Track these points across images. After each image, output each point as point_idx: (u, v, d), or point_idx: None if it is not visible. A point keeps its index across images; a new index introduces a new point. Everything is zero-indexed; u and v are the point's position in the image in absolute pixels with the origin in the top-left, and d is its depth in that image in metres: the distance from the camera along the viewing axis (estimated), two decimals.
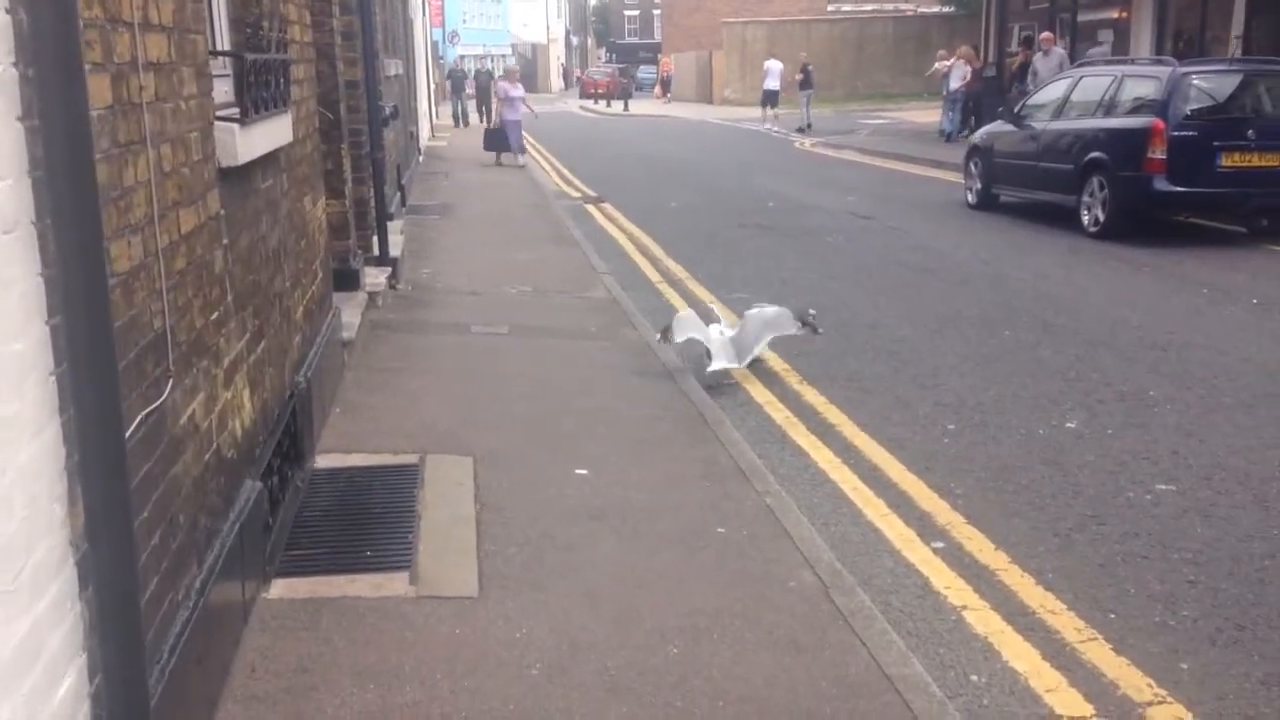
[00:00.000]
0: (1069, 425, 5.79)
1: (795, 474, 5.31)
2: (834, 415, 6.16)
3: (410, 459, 5.08)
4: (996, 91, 26.35)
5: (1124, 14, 23.53)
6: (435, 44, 43.81)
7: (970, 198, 14.05)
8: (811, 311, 7.36)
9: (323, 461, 5.05)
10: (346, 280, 7.71)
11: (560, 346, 7.39)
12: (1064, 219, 11.95)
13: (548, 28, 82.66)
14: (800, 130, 27.93)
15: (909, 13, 46.77)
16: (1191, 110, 10.74)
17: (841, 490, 5.09)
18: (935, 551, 4.40)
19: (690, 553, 4.18)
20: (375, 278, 8.53)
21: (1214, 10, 20.09)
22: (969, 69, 23.14)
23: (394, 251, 9.31)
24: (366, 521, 4.38)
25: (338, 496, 4.65)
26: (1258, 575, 4.07)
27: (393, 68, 13.49)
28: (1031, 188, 12.69)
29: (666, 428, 5.65)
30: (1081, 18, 24.83)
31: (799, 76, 29.84)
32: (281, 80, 4.52)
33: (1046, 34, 19.92)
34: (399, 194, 13.37)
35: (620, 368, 6.86)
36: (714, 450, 5.31)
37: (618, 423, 5.72)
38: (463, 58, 66.01)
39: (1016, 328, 7.88)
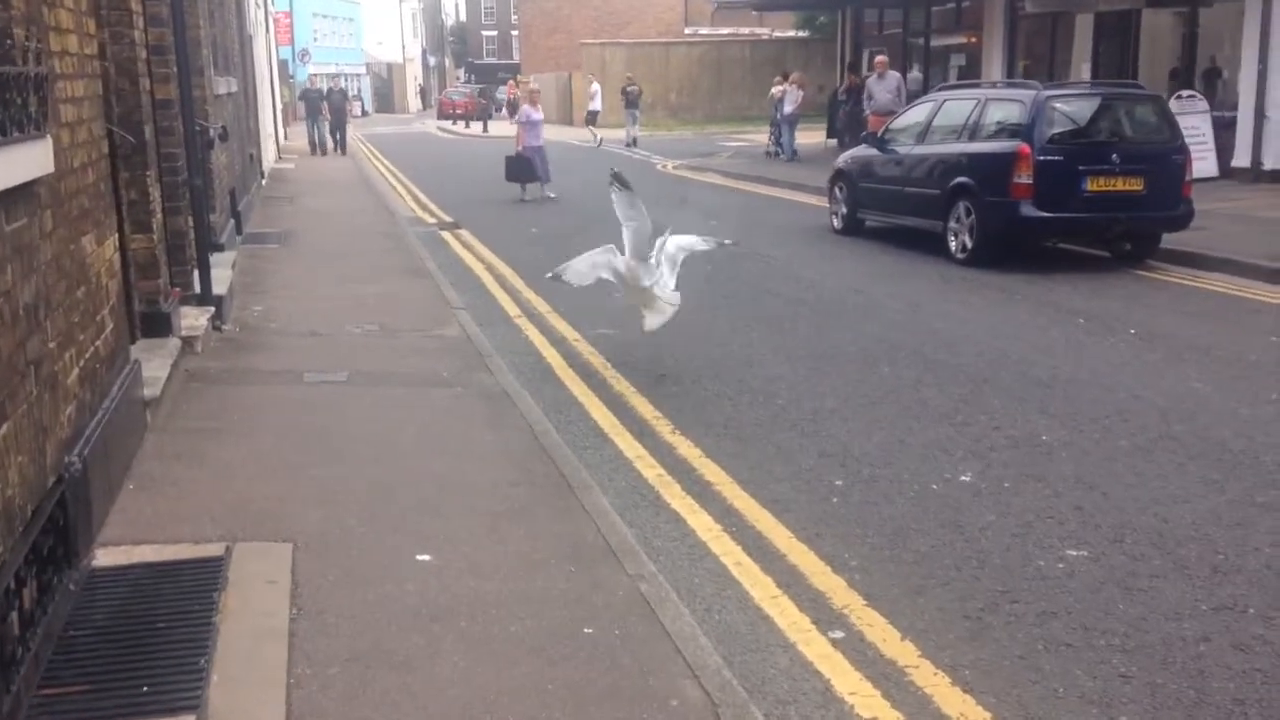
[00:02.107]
0: (964, 478, 5.32)
1: (672, 546, 4.67)
2: (711, 471, 5.56)
3: (214, 550, 4.24)
4: (852, 114, 26.65)
5: (974, 39, 24.03)
6: (284, 63, 42.15)
7: (836, 223, 13.79)
8: (727, 240, 7.61)
9: (104, 557, 4.16)
10: (157, 325, 6.78)
11: (407, 396, 6.61)
12: (931, 245, 11.74)
13: (404, 47, 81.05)
14: (628, 145, 30.14)
15: (765, 37, 47.31)
16: (1056, 134, 10.64)
17: (725, 566, 4.47)
18: (835, 644, 3.82)
19: (551, 664, 3.49)
20: (195, 319, 7.58)
21: (1061, 35, 20.58)
22: (801, 93, 24.68)
23: (219, 288, 8.35)
24: (150, 641, 3.54)
25: (118, 606, 3.78)
26: (1196, 665, 3.61)
27: (224, 85, 12.43)
28: (898, 213, 12.47)
29: (526, 496, 4.94)
30: (935, 42, 25.29)
31: (622, 98, 32.72)
32: (35, 98, 3.66)
33: (881, 57, 20.03)
34: (232, 222, 12.31)
35: (474, 420, 6.12)
36: (580, 524, 4.63)
37: (470, 491, 4.98)
38: (315, 76, 64.03)
39: (896, 364, 7.47)
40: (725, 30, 50.18)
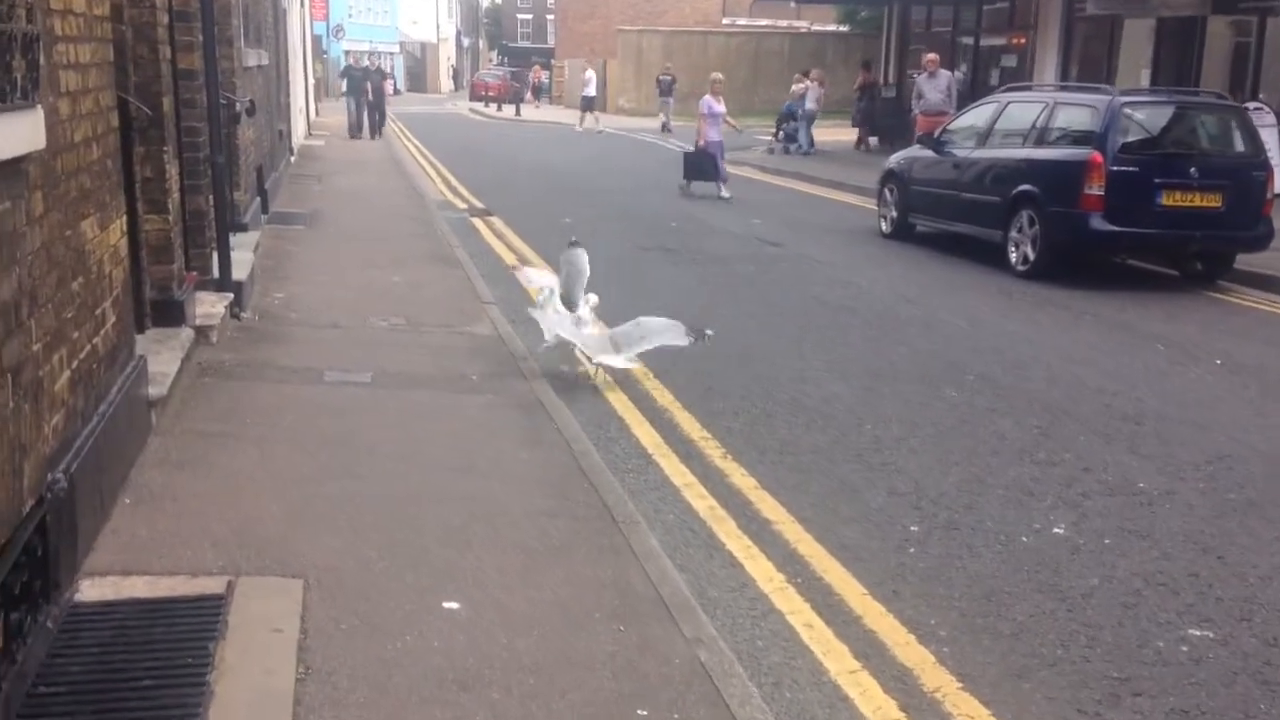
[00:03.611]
0: (1057, 530, 4.75)
1: (730, 599, 4.13)
2: (769, 506, 5.00)
3: (214, 586, 3.72)
4: (898, 112, 26.02)
5: (1020, 40, 23.28)
6: (318, 38, 41.69)
7: (884, 226, 13.17)
8: (709, 331, 6.85)
9: (89, 590, 3.65)
10: (169, 314, 6.27)
11: (434, 403, 6.08)
12: (988, 255, 11.12)
13: (438, 27, 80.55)
14: (662, 132, 30.79)
15: (803, 30, 46.51)
16: (1130, 143, 9.99)
17: (792, 627, 3.92)
18: None
19: None
20: (212, 306, 7.08)
21: (1123, 38, 19.81)
22: (822, 90, 25.01)
23: (240, 273, 7.84)
24: (132, 704, 3.02)
25: (98, 654, 3.27)
26: None
27: (254, 58, 11.92)
28: (953, 219, 11.84)
29: (565, 530, 4.40)
30: (984, 42, 24.52)
31: (657, 86, 33.85)
32: (21, 61, 3.13)
33: (932, 55, 19.34)
34: (259, 200, 11.81)
35: (508, 434, 5.59)
36: (626, 567, 4.09)
37: (503, 520, 4.45)
38: (357, 54, 63.52)
39: (962, 387, 6.88)
40: (763, 22, 49.39)
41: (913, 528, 4.77)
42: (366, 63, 28.46)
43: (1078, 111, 10.44)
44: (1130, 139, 10.00)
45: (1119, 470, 5.48)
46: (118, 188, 4.70)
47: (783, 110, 25.99)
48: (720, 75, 18.24)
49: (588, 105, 34.34)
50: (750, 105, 42.23)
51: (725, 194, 16.45)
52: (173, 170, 6.32)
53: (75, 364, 3.87)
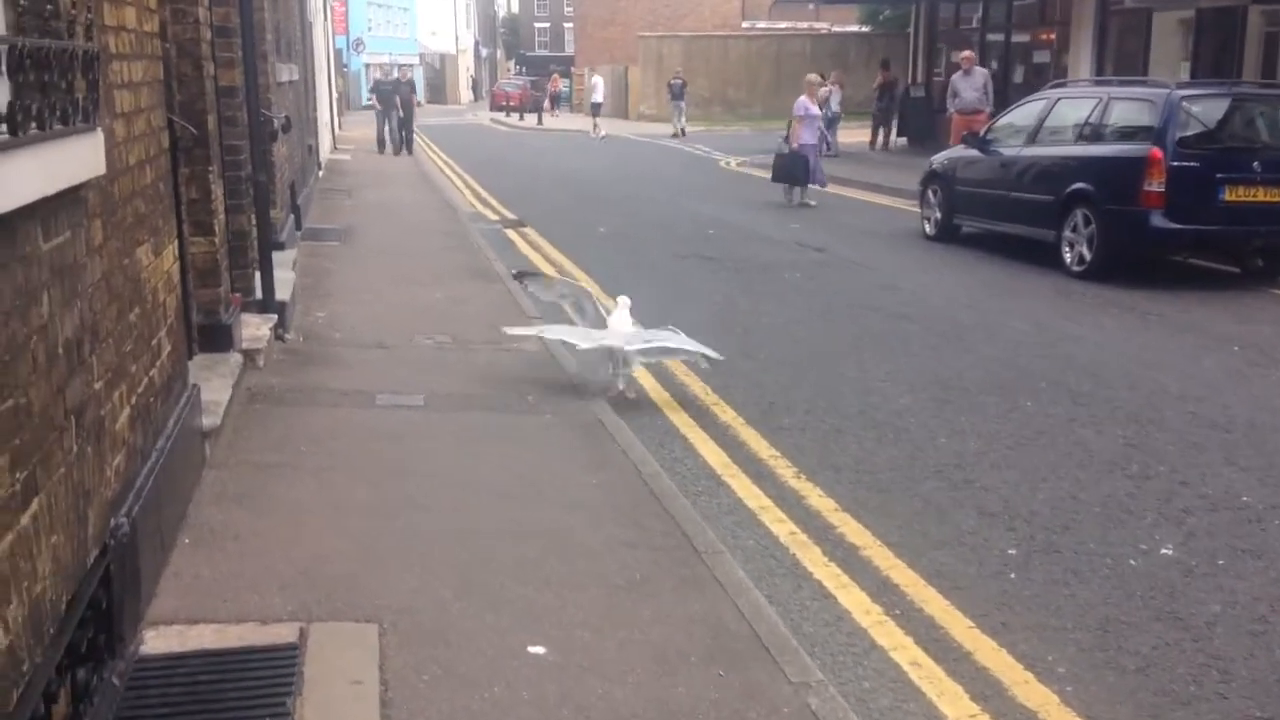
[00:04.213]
0: (1165, 551, 4.47)
1: (827, 634, 3.88)
2: (853, 530, 4.75)
3: (286, 634, 3.50)
4: (927, 112, 25.71)
5: (1049, 36, 22.93)
6: (339, 51, 41.72)
7: (928, 228, 12.88)
8: (720, 356, 6.60)
9: (154, 641, 3.43)
10: (216, 338, 6.08)
11: (491, 425, 5.86)
12: (1040, 255, 10.82)
13: (456, 38, 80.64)
14: (674, 136, 31.34)
15: (824, 31, 46.21)
16: (1189, 138, 9.67)
17: (898, 665, 3.67)
18: None
19: None
20: (257, 329, 6.89)
21: (1159, 31, 19.42)
22: (841, 92, 25.27)
23: (282, 293, 7.66)
24: None
25: (168, 714, 3.06)
26: None
27: (286, 73, 11.78)
28: (1002, 220, 11.54)
29: (646, 561, 4.17)
30: (1015, 38, 24.16)
31: (668, 91, 34.21)
32: (83, 81, 2.94)
33: (967, 53, 19.01)
34: (293, 217, 11.66)
35: (571, 457, 5.36)
36: (716, 602, 3.85)
37: (579, 553, 4.22)
38: (387, 66, 63.45)
39: (1037, 396, 6.60)
40: (783, 24, 49.14)
41: (1010, 551, 4.50)
42: (396, 75, 27.61)
43: (1134, 106, 10.14)
44: (1190, 133, 9.68)
45: (1219, 483, 5.19)
46: (170, 211, 4.52)
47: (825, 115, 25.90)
48: (816, 76, 17.72)
49: (596, 111, 35.37)
50: (773, 108, 41.93)
51: (811, 201, 15.93)
52: (218, 190, 6.14)
53: (135, 399, 3.68)
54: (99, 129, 3.10)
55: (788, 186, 16.14)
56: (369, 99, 37.35)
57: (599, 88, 36.52)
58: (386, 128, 25.07)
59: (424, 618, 3.66)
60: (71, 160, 2.81)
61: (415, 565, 4.04)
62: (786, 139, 24.87)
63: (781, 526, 4.82)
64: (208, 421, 4.99)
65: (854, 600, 4.13)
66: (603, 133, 33.31)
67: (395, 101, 24.83)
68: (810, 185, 16.10)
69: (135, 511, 3.48)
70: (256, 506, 4.54)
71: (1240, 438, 5.83)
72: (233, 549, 4.13)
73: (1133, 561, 4.39)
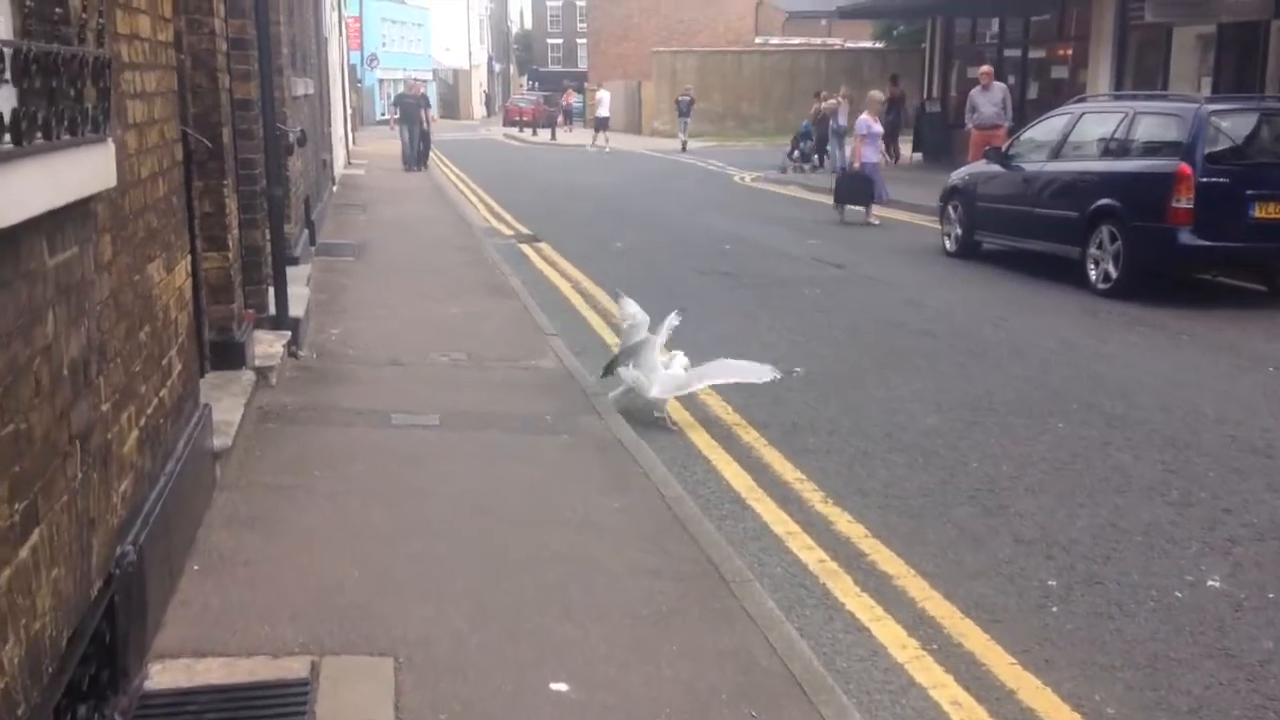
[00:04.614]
0: (1212, 583, 4.29)
1: (862, 671, 3.71)
2: (884, 558, 4.58)
3: (297, 668, 3.35)
4: (943, 127, 25.59)
5: (1067, 51, 22.77)
6: (353, 67, 41.84)
7: (949, 244, 12.72)
8: (797, 370, 6.79)
9: (160, 676, 3.28)
10: (229, 356, 5.95)
11: (509, 446, 5.71)
12: (1064, 272, 10.65)
13: (470, 53, 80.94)
14: (682, 150, 32.53)
15: (837, 47, 46.16)
16: (1218, 153, 9.49)
17: (938, 705, 3.49)
18: None
19: None
20: (270, 346, 6.76)
21: (1179, 47, 19.25)
22: (850, 106, 25.23)
23: (296, 310, 7.53)
24: None
25: None
26: None
27: (301, 87, 11.70)
28: (1025, 236, 11.37)
29: (671, 591, 4.00)
30: (1032, 54, 24.02)
31: (675, 106, 35.73)
32: (94, 90, 2.81)
33: (986, 68, 18.88)
34: (307, 232, 11.56)
35: (591, 480, 5.21)
36: (746, 636, 3.69)
37: (601, 581, 4.06)
38: (382, 81, 63.89)
39: (1069, 418, 6.43)
40: (797, 40, 49.10)
41: (1050, 581, 4.32)
42: (423, 90, 27.25)
43: (1161, 121, 9.97)
44: (1219, 148, 9.51)
45: (1263, 511, 5.01)
46: (183, 225, 4.39)
47: (800, 130, 26.07)
48: (880, 94, 17.48)
49: (601, 125, 35.93)
50: (786, 124, 41.75)
51: (874, 220, 15.60)
52: (232, 204, 6.02)
53: (144, 421, 3.54)
54: (110, 140, 2.97)
55: (841, 206, 15.82)
56: (384, 114, 37.27)
57: (604, 102, 37.11)
58: (411, 143, 24.65)
59: (441, 650, 3.50)
60: (80, 172, 2.68)
61: (432, 594, 3.89)
62: (791, 154, 25.15)
63: (810, 554, 4.65)
64: (219, 442, 4.85)
65: (889, 634, 3.96)
66: (607, 146, 34.04)
67: (419, 116, 24.49)
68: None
69: (143, 539, 3.34)
70: (268, 531, 4.40)
71: None
72: (243, 576, 3.99)
73: (1179, 594, 4.20)
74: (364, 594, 3.86)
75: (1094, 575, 4.37)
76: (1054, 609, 4.11)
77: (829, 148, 25.06)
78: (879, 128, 15.99)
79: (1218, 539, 4.70)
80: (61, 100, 2.59)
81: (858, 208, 15.75)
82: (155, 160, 3.86)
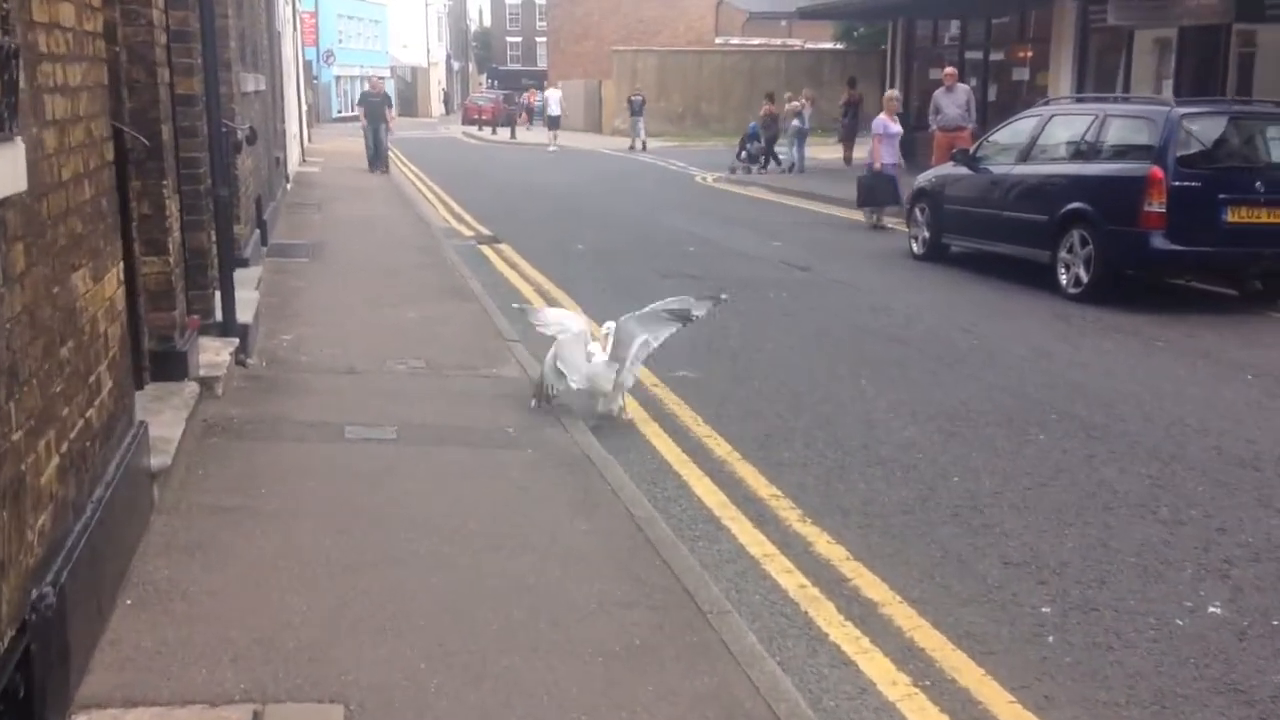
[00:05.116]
0: (1213, 609, 4.09)
1: (851, 711, 3.46)
2: (868, 582, 4.34)
3: (236, 717, 3.04)
4: (905, 128, 25.49)
5: (1027, 53, 22.79)
6: (309, 63, 41.14)
7: (915, 247, 12.56)
8: (724, 295, 6.78)
9: None
10: (170, 366, 5.61)
11: (471, 462, 5.41)
12: (1033, 276, 10.51)
13: (428, 51, 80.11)
14: (631, 149, 32.88)
15: (797, 48, 46.15)
16: (1191, 157, 9.38)
17: None
18: None
19: None
20: (216, 354, 6.41)
21: (1139, 50, 19.28)
22: (811, 108, 25.92)
23: (244, 315, 7.17)
24: None
25: None
26: None
27: (252, 83, 11.30)
28: (993, 239, 11.23)
29: (645, 623, 3.73)
30: (993, 56, 24.01)
31: (628, 106, 35.40)
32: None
33: (949, 69, 18.77)
34: (258, 232, 11.16)
35: (558, 499, 4.92)
36: (727, 674, 3.43)
37: (570, 614, 3.78)
38: (338, 79, 62.96)
39: (1048, 429, 6.24)
40: (756, 41, 49.04)
41: (1044, 609, 4.11)
42: (366, 88, 26.56)
43: (1132, 124, 9.86)
44: (1191, 152, 9.40)
45: (1257, 529, 4.83)
46: (113, 230, 4.05)
47: (747, 131, 26.11)
48: (896, 93, 16.98)
49: (553, 124, 35.93)
50: (746, 123, 41.74)
51: (888, 223, 15.15)
52: (173, 206, 5.67)
53: (65, 447, 3.21)
54: (18, 138, 2.65)
55: (870, 210, 15.37)
56: (339, 111, 36.70)
57: (553, 100, 37.24)
58: (374, 144, 23.89)
59: (397, 696, 3.21)
60: None
61: (388, 631, 3.59)
62: (739, 155, 25.10)
63: (790, 578, 4.40)
64: (157, 461, 4.52)
65: (878, 668, 3.71)
66: (552, 145, 34.12)
67: (386, 114, 23.86)
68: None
69: (64, 578, 3.02)
70: (209, 560, 4.07)
71: (1272, 476, 5.48)
72: (180, 611, 3.66)
73: (1179, 621, 4.00)
74: (313, 632, 3.55)
75: (1089, 601, 4.16)
76: (1050, 639, 3.89)
77: (789, 148, 25.12)
78: (897, 128, 15.39)
79: (1214, 560, 4.51)
80: None
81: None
82: (80, 160, 3.52)
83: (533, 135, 43.61)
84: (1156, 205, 9.16)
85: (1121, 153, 9.87)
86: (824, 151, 26.98)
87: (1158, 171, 9.19)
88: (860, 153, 26.17)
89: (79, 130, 3.52)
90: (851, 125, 26.29)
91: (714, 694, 3.32)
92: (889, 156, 15.03)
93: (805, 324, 9.08)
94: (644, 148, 33.16)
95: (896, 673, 3.68)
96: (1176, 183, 9.17)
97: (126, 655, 3.37)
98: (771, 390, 7.07)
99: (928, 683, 3.61)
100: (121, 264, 4.18)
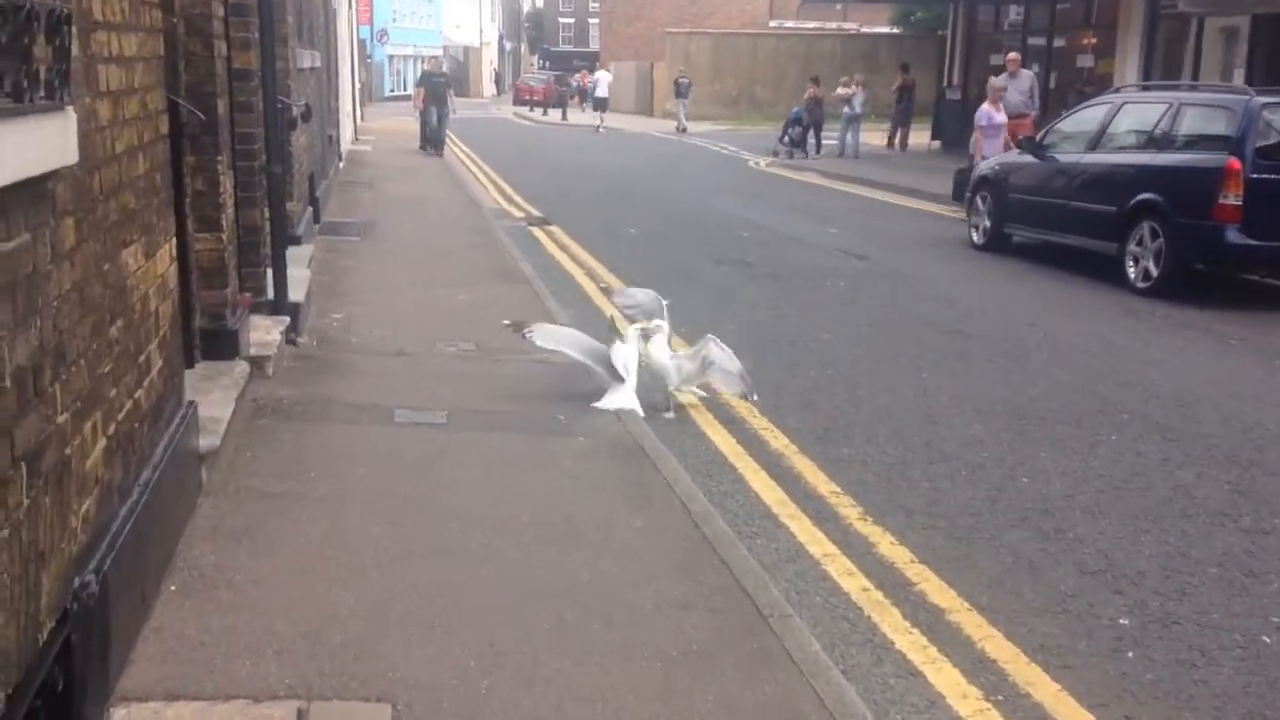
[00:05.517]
0: None
1: None
2: (935, 588, 4.16)
3: (279, 716, 2.93)
4: (962, 115, 25.00)
5: (1091, 40, 22.21)
6: (362, 42, 41.24)
7: (976, 236, 12.25)
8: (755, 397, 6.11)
9: None
10: (221, 345, 5.54)
11: (522, 450, 5.28)
12: (1100, 269, 10.18)
13: (481, 31, 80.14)
14: (679, 131, 32.81)
15: (853, 31, 45.50)
16: (1270, 148, 9.00)
17: None
18: None
19: None
20: (267, 333, 6.34)
21: (1209, 38, 18.70)
22: (865, 93, 25.08)
23: (296, 294, 7.10)
24: None
25: None
26: None
27: (308, 59, 11.24)
28: (1058, 230, 10.90)
29: (703, 626, 3.58)
30: (1056, 43, 23.44)
31: (673, 88, 35.70)
32: (47, 49, 2.37)
33: (1013, 54, 18.28)
34: (310, 210, 11.12)
35: (611, 491, 4.78)
36: (790, 684, 3.27)
37: (625, 617, 3.63)
38: (391, 57, 63.11)
39: (1121, 429, 5.99)
40: (812, 24, 48.39)
41: (1122, 620, 3.90)
42: (426, 67, 25.69)
43: (1209, 113, 9.49)
44: (1270, 143, 9.02)
45: None
46: (167, 206, 3.96)
47: (790, 115, 25.57)
48: (1001, 82, 16.05)
49: (600, 105, 36.35)
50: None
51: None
52: (227, 182, 5.59)
53: (112, 429, 3.12)
54: (69, 108, 2.54)
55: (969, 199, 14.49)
56: (407, 90, 36.60)
57: (602, 82, 37.52)
58: (439, 125, 22.66)
59: (446, 697, 3.09)
60: (27, 146, 2.24)
61: (437, 627, 3.47)
62: (782, 139, 24.58)
63: (852, 580, 4.23)
64: (205, 443, 4.44)
65: (947, 680, 3.53)
66: (601, 127, 34.35)
67: (448, 95, 22.74)
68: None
69: (108, 565, 2.93)
70: (256, 546, 3.98)
71: None
72: (225, 599, 3.57)
73: (1267, 639, 3.78)
74: (360, 626, 3.44)
75: (1169, 614, 3.95)
76: (1129, 654, 3.69)
77: (843, 133, 24.66)
78: (1001, 117, 14.22)
79: None
80: (11, 59, 2.15)
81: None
82: (134, 133, 3.42)
83: (584, 117, 43.43)
84: (1233, 197, 8.81)
85: (1196, 143, 9.50)
86: (876, 137, 26.55)
87: (1235, 162, 8.83)
88: (916, 139, 25.87)
89: (133, 102, 3.42)
90: (906, 110, 25.90)
91: (777, 705, 3.17)
92: (991, 149, 13.77)
93: (864, 314, 8.86)
94: (684, 130, 33.03)
95: (967, 685, 3.50)
96: (1254, 175, 8.81)
97: (169, 646, 3.27)
98: (829, 381, 6.88)
99: (1000, 697, 3.43)
100: (174, 240, 4.08)
